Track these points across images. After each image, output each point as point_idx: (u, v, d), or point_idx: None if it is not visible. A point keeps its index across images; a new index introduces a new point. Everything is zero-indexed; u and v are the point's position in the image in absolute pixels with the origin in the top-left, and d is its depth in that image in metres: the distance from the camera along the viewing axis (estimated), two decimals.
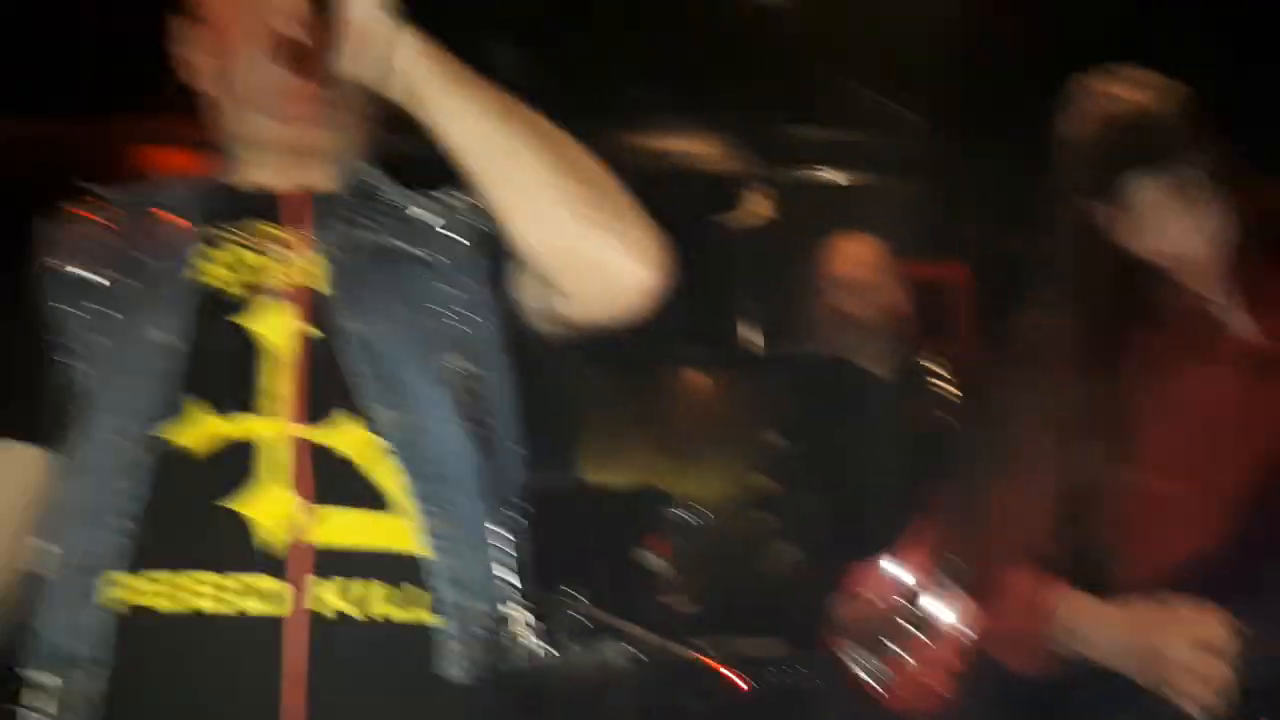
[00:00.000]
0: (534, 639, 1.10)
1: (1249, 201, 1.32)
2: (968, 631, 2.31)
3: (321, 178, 1.18)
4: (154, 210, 1.15)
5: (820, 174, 4.40)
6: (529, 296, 1.14)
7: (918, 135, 4.33)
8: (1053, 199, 1.40)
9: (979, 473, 1.43)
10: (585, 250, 1.04)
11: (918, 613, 2.36)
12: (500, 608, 1.07)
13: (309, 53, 1.03)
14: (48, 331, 1.08)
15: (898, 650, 2.34)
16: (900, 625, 2.34)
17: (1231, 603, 1.21)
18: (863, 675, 2.38)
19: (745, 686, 2.53)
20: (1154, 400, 1.26)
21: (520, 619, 1.08)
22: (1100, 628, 1.26)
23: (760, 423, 2.68)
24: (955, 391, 2.54)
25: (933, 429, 2.48)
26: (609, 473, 3.69)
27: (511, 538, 1.11)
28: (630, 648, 2.40)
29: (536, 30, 3.26)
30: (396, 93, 1.05)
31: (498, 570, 1.07)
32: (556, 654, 1.00)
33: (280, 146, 1.16)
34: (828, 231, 2.81)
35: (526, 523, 1.14)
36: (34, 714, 0.98)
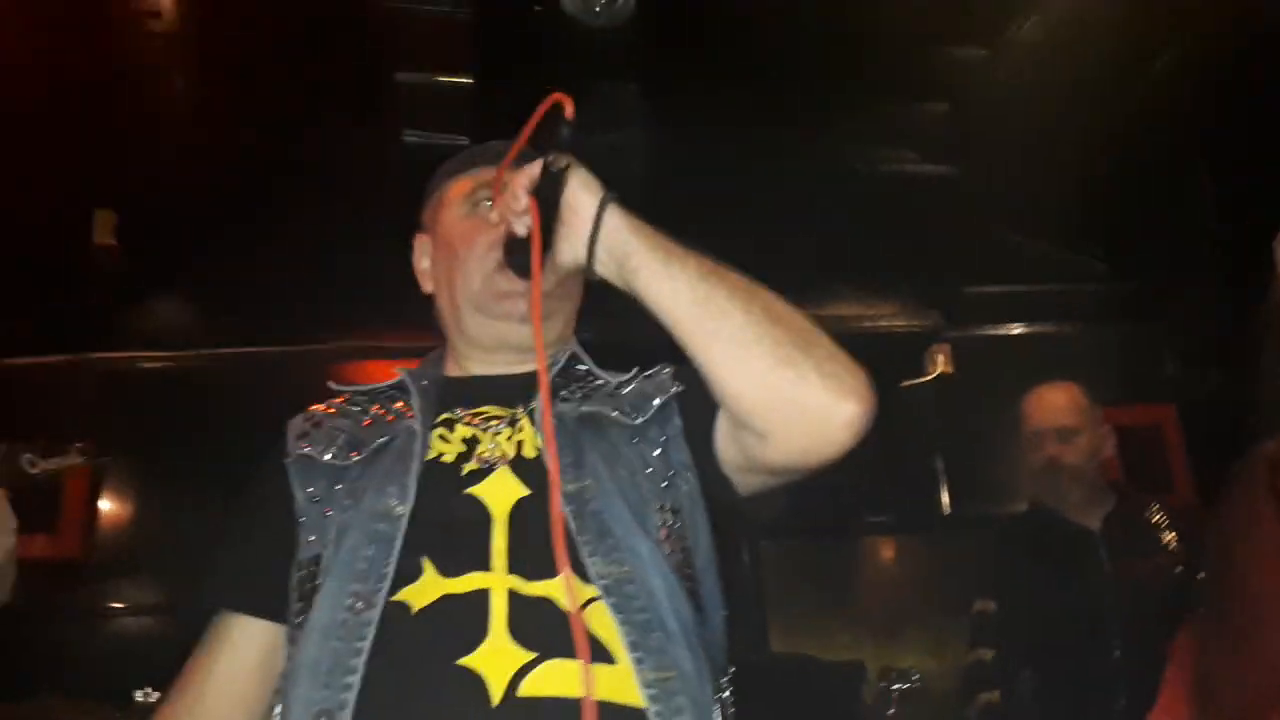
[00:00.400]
0: None
1: None
2: None
3: (534, 363, 1.28)
4: (387, 402, 1.29)
5: (1006, 329, 4.34)
6: (727, 449, 1.19)
7: (1101, 280, 4.24)
8: (1264, 334, 1.35)
9: (1224, 621, 1.32)
10: (788, 389, 1.09)
11: None
12: None
13: (531, 250, 1.15)
14: (293, 511, 1.19)
15: None
16: None
17: None
18: None
19: None
20: None
21: None
22: None
23: (966, 589, 2.57)
24: (1173, 538, 2.38)
25: (1156, 580, 2.32)
26: (802, 644, 3.58)
27: (725, 693, 1.12)
28: None
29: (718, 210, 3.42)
30: (606, 269, 1.15)
31: (710, 715, 1.07)
32: None
33: (498, 340, 1.30)
34: (1017, 385, 2.76)
35: (730, 681, 1.15)
36: None
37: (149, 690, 2.22)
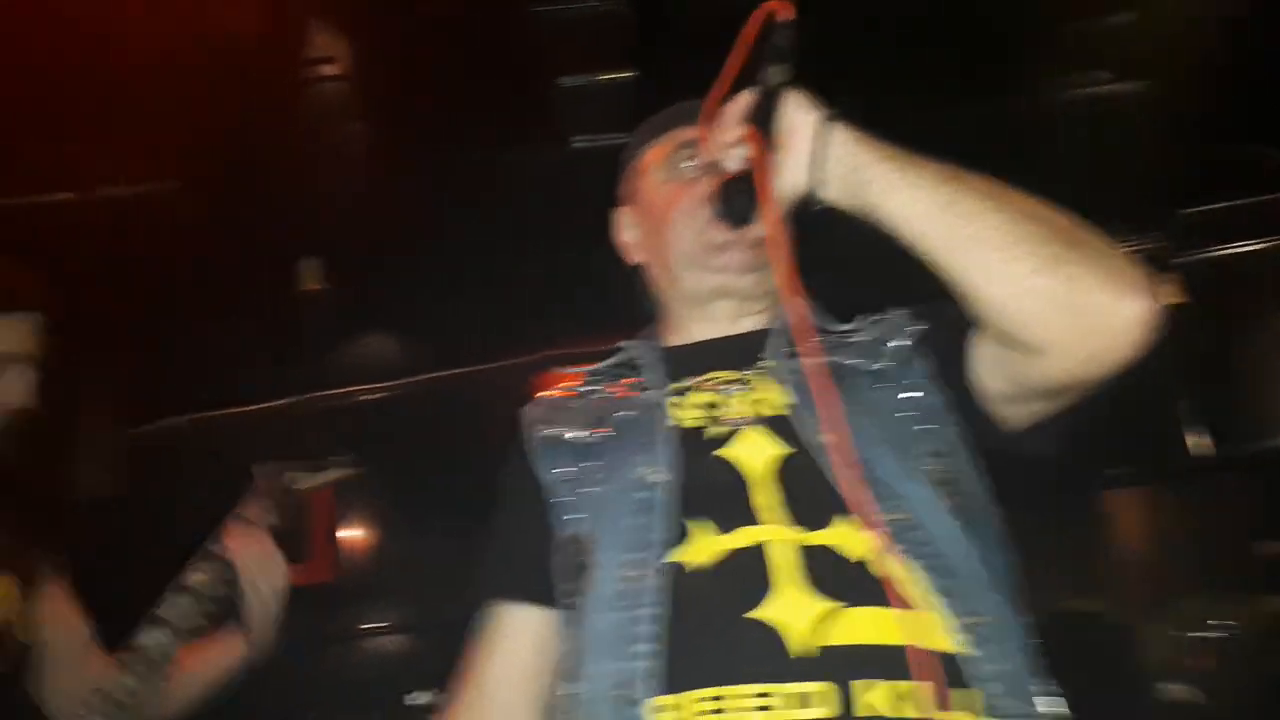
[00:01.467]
0: None
1: None
2: None
3: (759, 320, 1.28)
4: (615, 379, 1.30)
5: (1236, 247, 3.95)
6: (990, 379, 1.11)
7: None
8: None
9: None
10: (1059, 290, 0.99)
11: None
12: (1039, 704, 1.01)
13: (745, 191, 1.09)
14: (544, 494, 1.22)
15: None
16: None
17: None
18: None
19: None
20: None
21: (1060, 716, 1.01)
22: None
23: (1248, 531, 2.32)
24: None
25: None
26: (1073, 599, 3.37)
27: (1030, 633, 1.05)
28: None
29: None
30: (834, 191, 1.08)
31: (1034, 665, 1.03)
32: None
33: (719, 296, 1.28)
34: (1258, 307, 2.47)
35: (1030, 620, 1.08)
36: None
37: (417, 693, 2.32)
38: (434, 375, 4.23)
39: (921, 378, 1.16)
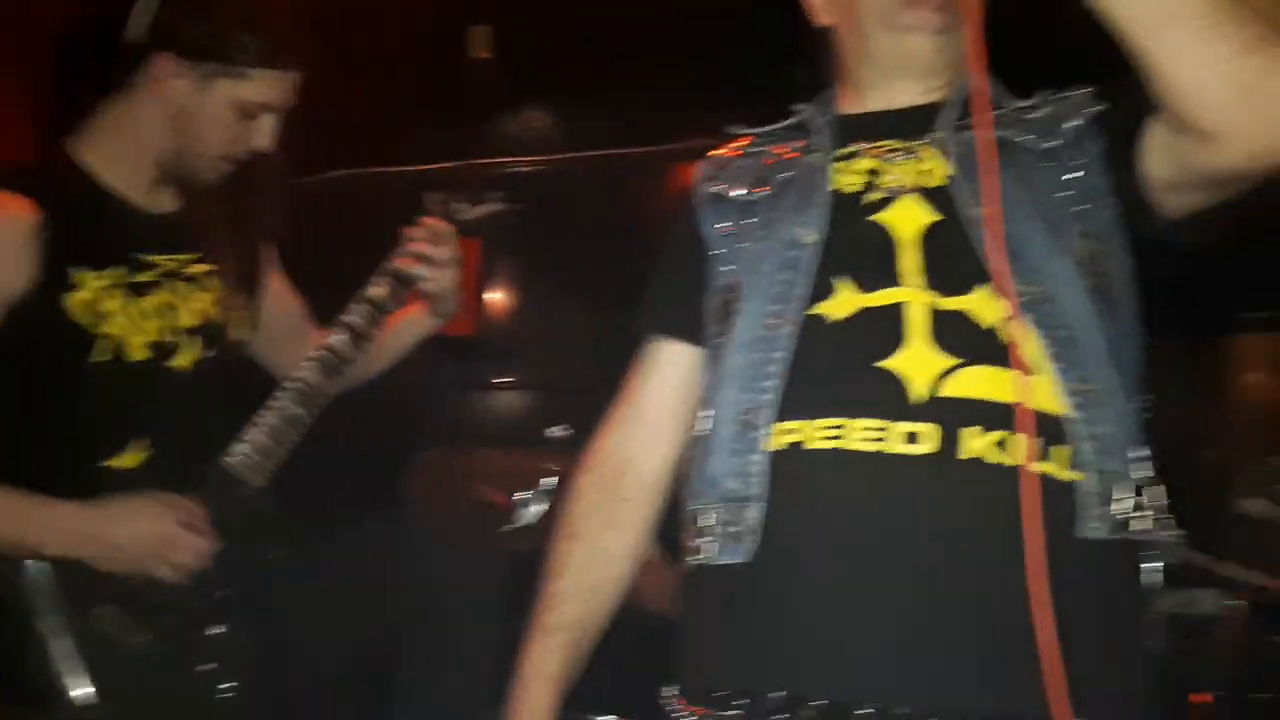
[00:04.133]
0: (1164, 515, 1.11)
1: None
2: None
3: (938, 94, 1.30)
4: (786, 141, 1.36)
5: None
6: (1159, 164, 1.15)
7: None
8: None
9: None
10: (1250, 76, 0.99)
11: None
12: (1135, 474, 1.10)
13: None
14: (705, 246, 1.32)
15: None
16: None
17: None
18: None
19: None
20: None
21: (1153, 489, 1.11)
22: None
23: None
24: None
25: None
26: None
27: (1141, 408, 1.15)
28: (1230, 598, 2.26)
29: None
30: None
31: (1131, 438, 1.11)
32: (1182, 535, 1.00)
33: (905, 58, 1.29)
34: None
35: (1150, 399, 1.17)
36: (705, 542, 1.16)
37: (558, 428, 2.58)
38: (594, 153, 4.34)
39: (1090, 158, 1.21)
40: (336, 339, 1.96)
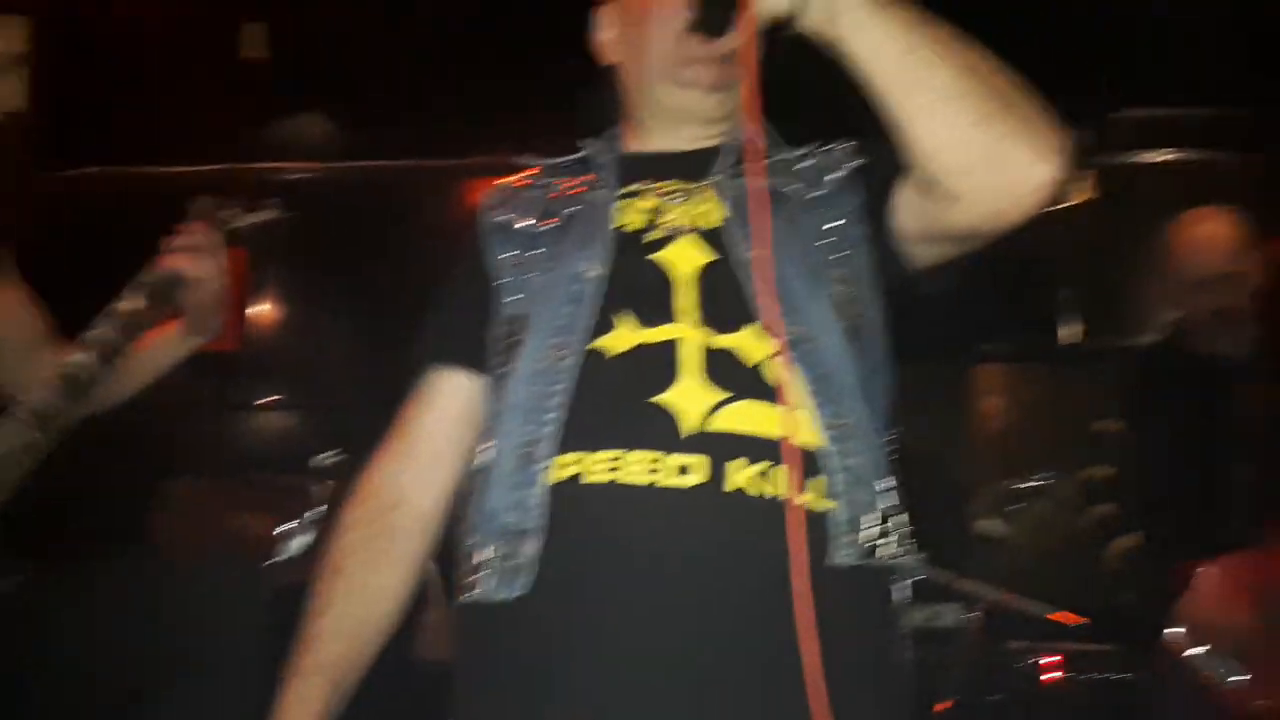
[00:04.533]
0: (907, 539, 1.18)
1: None
2: None
3: (717, 138, 1.35)
4: (572, 176, 1.37)
5: (1155, 155, 4.17)
6: (908, 219, 1.24)
7: (1257, 105, 4.00)
8: None
9: None
10: (987, 144, 1.09)
11: (1268, 611, 2.24)
12: (882, 502, 1.17)
13: (722, 4, 1.14)
14: (491, 275, 1.31)
15: (1252, 651, 2.23)
16: (1252, 624, 2.23)
17: None
18: (1206, 675, 2.29)
19: (1074, 621, 2.52)
20: None
21: (898, 516, 1.18)
22: None
23: (1093, 413, 2.62)
24: None
25: None
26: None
27: (888, 444, 1.21)
28: (968, 611, 2.47)
29: None
30: (810, 19, 1.15)
31: (879, 469, 1.18)
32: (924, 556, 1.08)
33: (684, 110, 1.33)
34: (1165, 214, 2.68)
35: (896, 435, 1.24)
36: (481, 577, 1.14)
37: (327, 454, 2.46)
38: (376, 163, 4.21)
39: (849, 209, 1.27)
40: (81, 356, 1.79)
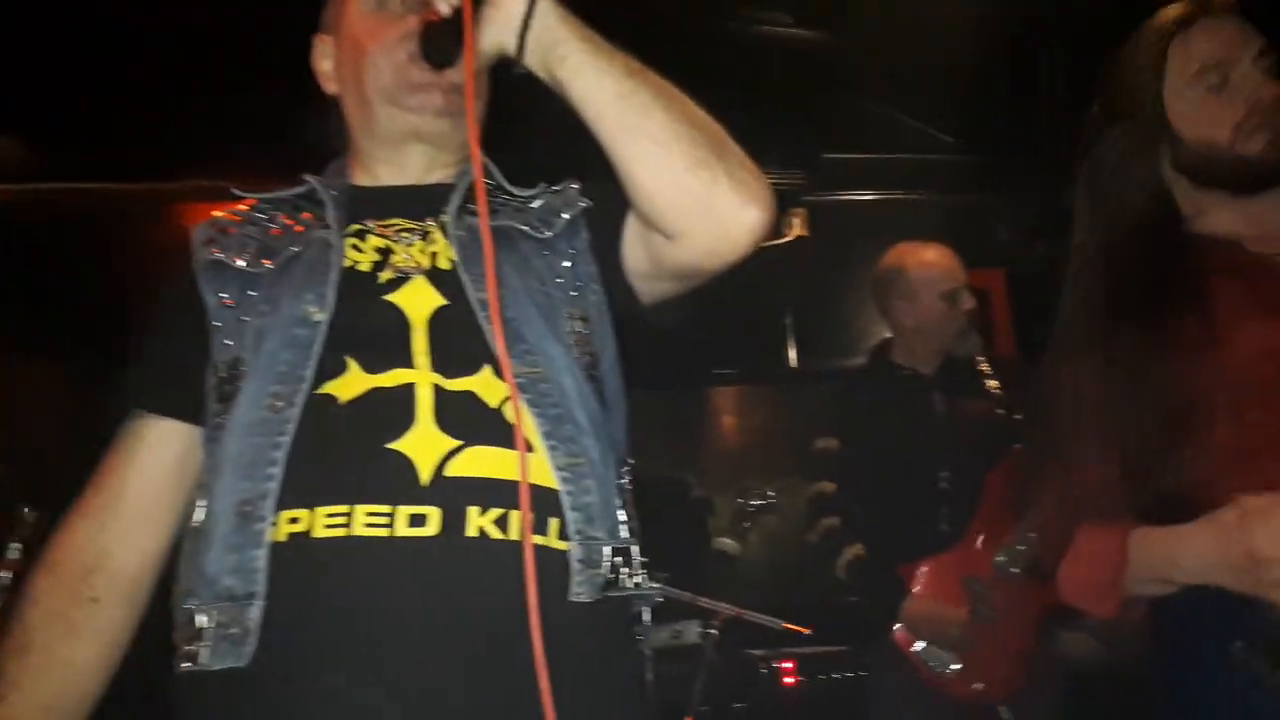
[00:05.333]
0: (643, 573, 1.19)
1: None
2: (1042, 599, 2.39)
3: (447, 174, 1.33)
4: (293, 211, 1.29)
5: (858, 195, 4.55)
6: (634, 256, 1.27)
7: (949, 152, 4.47)
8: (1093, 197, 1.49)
9: (1037, 452, 1.49)
10: (701, 190, 1.15)
11: (980, 601, 2.46)
12: (618, 536, 1.17)
13: (449, 35, 1.14)
14: (205, 316, 1.21)
15: (964, 640, 2.44)
16: (966, 615, 2.44)
17: None
18: (927, 666, 2.48)
19: (807, 630, 2.69)
20: (1221, 350, 1.28)
21: (633, 548, 1.18)
22: (1184, 548, 1.24)
23: (815, 431, 2.81)
24: (996, 385, 2.65)
25: (980, 421, 2.60)
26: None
27: (625, 481, 1.22)
28: (705, 627, 2.56)
29: None
30: (533, 59, 1.17)
31: (614, 504, 1.18)
32: (659, 587, 1.10)
33: (411, 138, 1.30)
34: (868, 251, 2.94)
35: (629, 471, 1.25)
36: (199, 647, 1.05)
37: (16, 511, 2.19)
38: (60, 185, 3.82)
39: (580, 248, 1.29)
40: None
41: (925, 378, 2.73)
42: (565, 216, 1.30)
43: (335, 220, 1.26)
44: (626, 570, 1.16)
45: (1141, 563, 1.30)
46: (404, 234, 1.26)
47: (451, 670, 1.05)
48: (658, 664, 2.66)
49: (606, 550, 1.14)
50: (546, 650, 1.01)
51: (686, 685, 2.56)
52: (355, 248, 1.25)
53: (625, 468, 1.25)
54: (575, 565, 1.12)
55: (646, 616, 1.22)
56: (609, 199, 1.24)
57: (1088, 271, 1.45)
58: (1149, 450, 1.31)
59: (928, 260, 2.73)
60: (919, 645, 2.52)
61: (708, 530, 2.66)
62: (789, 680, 3.27)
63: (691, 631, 2.58)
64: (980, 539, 2.55)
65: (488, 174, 1.31)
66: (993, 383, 2.66)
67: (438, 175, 1.33)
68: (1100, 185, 1.46)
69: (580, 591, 1.11)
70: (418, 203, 1.29)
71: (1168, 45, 1.41)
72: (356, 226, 1.27)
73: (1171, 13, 1.44)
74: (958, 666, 2.48)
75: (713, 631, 2.53)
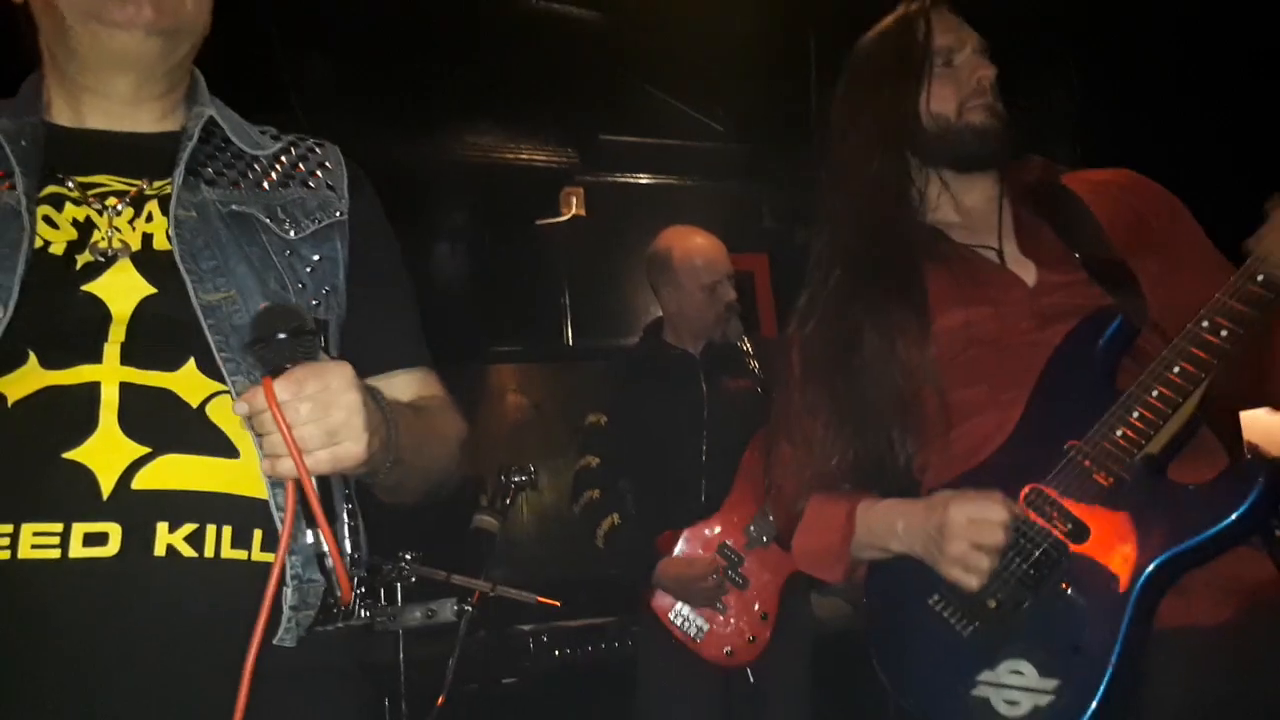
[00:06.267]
0: (364, 565, 1.12)
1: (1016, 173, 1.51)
2: (782, 566, 2.56)
3: (172, 120, 1.13)
4: None
5: (635, 177, 4.64)
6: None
7: (719, 139, 4.64)
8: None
9: (778, 429, 1.60)
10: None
11: (732, 568, 2.61)
12: (342, 537, 1.06)
13: None
14: None
15: (715, 604, 2.58)
16: (717, 581, 2.58)
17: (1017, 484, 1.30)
18: (682, 631, 2.60)
19: (558, 604, 2.74)
20: (939, 329, 1.40)
21: (359, 548, 1.10)
22: (899, 521, 1.35)
23: (585, 408, 2.86)
24: (756, 365, 2.80)
25: (740, 399, 2.73)
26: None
27: (347, 490, 1.12)
28: (460, 604, 2.56)
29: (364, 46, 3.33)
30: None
31: (337, 505, 1.06)
32: (376, 614, 1.08)
33: (116, 62, 1.08)
34: (642, 232, 3.01)
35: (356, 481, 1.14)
36: None
37: None
38: None
39: (329, 256, 1.15)
40: None
41: (693, 357, 2.83)
42: (320, 223, 1.16)
43: (24, 184, 1.04)
44: (349, 570, 1.03)
45: (865, 532, 1.42)
46: (111, 200, 1.07)
47: (146, 699, 0.95)
48: (412, 645, 2.66)
49: (315, 558, 1.00)
50: (237, 685, 0.90)
51: (445, 664, 2.54)
52: (48, 220, 1.05)
53: (353, 479, 1.12)
54: (286, 612, 1.02)
55: (377, 610, 1.19)
56: (373, 213, 1.18)
57: (825, 257, 1.55)
58: (870, 427, 1.43)
59: (693, 250, 2.82)
60: (674, 613, 2.64)
61: (467, 508, 2.65)
62: (557, 652, 3.33)
63: (446, 610, 2.56)
64: (735, 510, 2.69)
65: (218, 120, 1.15)
66: (754, 363, 2.80)
67: (158, 120, 1.13)
68: (841, 173, 1.56)
69: (286, 638, 1.02)
70: (132, 159, 1.10)
71: (908, 38, 1.51)
72: (52, 188, 1.07)
73: (902, 9, 1.56)
74: (707, 627, 2.62)
75: (468, 609, 2.52)
